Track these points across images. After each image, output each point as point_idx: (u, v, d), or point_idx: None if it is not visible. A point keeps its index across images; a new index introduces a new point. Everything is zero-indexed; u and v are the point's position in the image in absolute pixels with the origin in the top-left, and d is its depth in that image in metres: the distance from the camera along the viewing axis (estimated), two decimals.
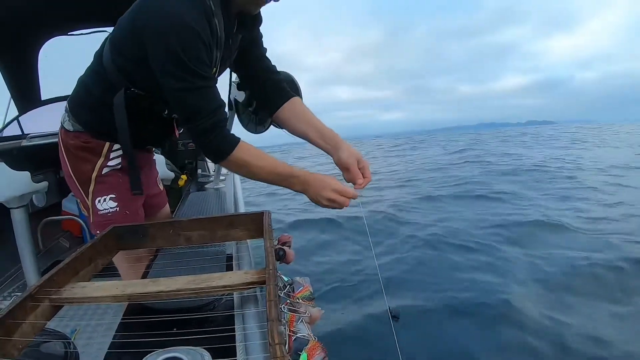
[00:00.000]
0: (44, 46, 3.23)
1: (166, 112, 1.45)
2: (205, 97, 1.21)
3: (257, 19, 1.42)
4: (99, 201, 1.46)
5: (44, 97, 3.43)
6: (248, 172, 1.32)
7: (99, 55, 1.36)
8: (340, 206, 1.31)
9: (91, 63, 1.41)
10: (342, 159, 1.42)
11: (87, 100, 1.41)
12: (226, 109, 1.39)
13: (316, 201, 1.32)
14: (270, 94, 1.56)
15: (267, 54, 1.57)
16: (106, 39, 1.35)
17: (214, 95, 1.24)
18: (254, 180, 1.35)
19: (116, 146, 1.45)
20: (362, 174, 1.42)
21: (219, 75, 1.44)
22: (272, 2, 1.29)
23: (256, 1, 1.30)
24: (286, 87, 1.57)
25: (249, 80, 1.61)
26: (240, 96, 1.74)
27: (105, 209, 1.46)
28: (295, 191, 1.35)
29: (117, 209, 1.47)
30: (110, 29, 1.36)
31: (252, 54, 1.53)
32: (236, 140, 1.28)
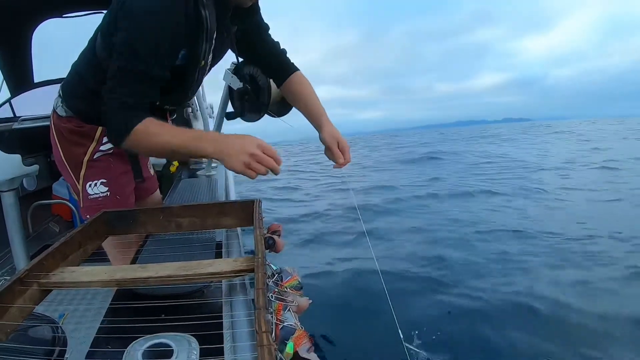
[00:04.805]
0: (37, 28, 3.20)
1: (157, 102, 1.44)
2: (141, 85, 1.15)
3: (252, 10, 1.42)
4: (90, 185, 1.45)
5: (36, 79, 3.40)
6: (152, 142, 1.14)
7: (92, 43, 1.34)
8: (263, 168, 1.08)
9: (84, 49, 1.39)
10: (323, 139, 1.53)
11: (80, 89, 1.39)
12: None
13: (235, 160, 1.07)
14: (275, 71, 1.65)
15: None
16: (99, 26, 1.33)
17: (152, 89, 1.18)
18: (159, 152, 1.19)
19: None
20: (343, 155, 1.52)
21: (212, 65, 1.45)
22: None
23: None
24: (288, 64, 1.65)
25: (255, 60, 1.66)
26: (235, 83, 1.73)
27: (95, 194, 1.45)
28: (208, 156, 1.14)
29: (108, 193, 1.46)
30: (105, 12, 1.34)
31: (256, 38, 1.56)
32: (146, 116, 1.15)
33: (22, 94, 3.30)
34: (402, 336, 1.89)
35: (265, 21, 1.54)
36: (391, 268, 4.15)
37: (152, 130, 1.13)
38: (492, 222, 5.74)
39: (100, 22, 1.33)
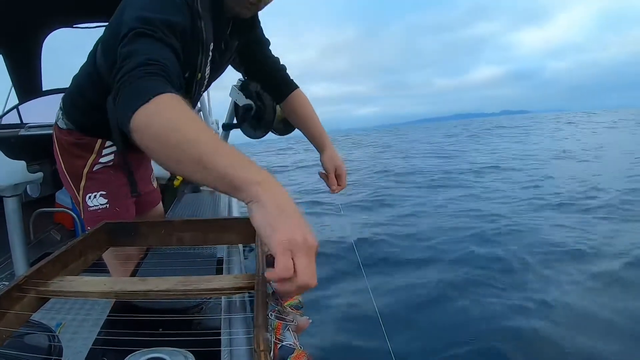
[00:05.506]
0: (48, 37, 3.24)
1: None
2: (156, 46, 0.91)
3: (252, 23, 1.43)
4: (90, 197, 1.45)
5: (45, 87, 3.43)
6: (165, 123, 0.73)
7: (92, 56, 1.34)
8: (308, 270, 0.69)
9: (84, 63, 1.40)
10: (323, 163, 1.62)
11: (81, 102, 1.40)
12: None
13: (289, 226, 0.68)
14: (275, 88, 1.66)
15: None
16: (99, 39, 1.32)
17: (170, 55, 0.93)
18: (167, 144, 0.72)
19: (109, 143, 1.45)
20: (338, 181, 1.62)
21: (212, 80, 1.43)
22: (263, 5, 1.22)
23: (247, 5, 1.20)
24: (289, 81, 1.65)
25: (255, 75, 1.66)
26: (241, 100, 1.74)
27: (95, 206, 1.45)
28: (240, 185, 0.69)
29: (107, 205, 1.46)
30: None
31: (257, 53, 1.55)
32: (172, 91, 0.80)
33: (30, 101, 3.33)
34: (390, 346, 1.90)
35: (264, 21, 1.52)
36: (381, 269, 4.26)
37: (176, 107, 0.76)
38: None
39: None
